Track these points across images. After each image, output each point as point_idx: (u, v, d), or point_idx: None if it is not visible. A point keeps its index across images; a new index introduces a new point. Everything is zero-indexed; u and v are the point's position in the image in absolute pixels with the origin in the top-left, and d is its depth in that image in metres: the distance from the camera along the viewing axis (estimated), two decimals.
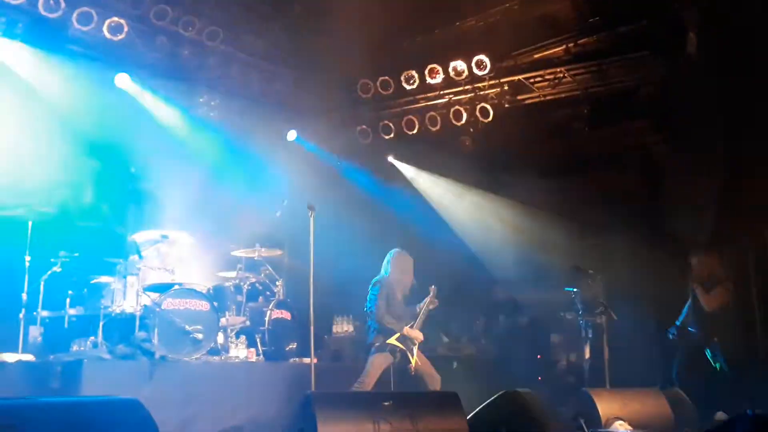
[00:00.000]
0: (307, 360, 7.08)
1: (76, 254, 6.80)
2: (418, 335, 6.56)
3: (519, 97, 9.08)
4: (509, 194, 9.07)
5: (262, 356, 7.28)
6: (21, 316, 6.69)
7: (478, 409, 5.52)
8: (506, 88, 9.06)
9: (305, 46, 8.67)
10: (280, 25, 8.52)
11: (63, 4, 6.99)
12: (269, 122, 9.16)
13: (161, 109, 8.28)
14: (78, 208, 7.38)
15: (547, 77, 8.85)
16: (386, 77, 9.23)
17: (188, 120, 8.60)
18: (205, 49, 8.08)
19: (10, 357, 6.27)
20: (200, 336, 6.57)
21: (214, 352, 6.87)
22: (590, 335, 7.15)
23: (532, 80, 8.95)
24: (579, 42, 8.43)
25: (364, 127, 9.84)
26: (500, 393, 5.53)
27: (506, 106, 9.07)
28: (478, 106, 8.99)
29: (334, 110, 9.73)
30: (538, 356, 8.49)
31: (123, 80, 7.92)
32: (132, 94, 8.03)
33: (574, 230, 8.74)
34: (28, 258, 6.79)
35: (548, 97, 8.91)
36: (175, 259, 7.28)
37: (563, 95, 8.83)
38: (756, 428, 4.21)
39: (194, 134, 8.55)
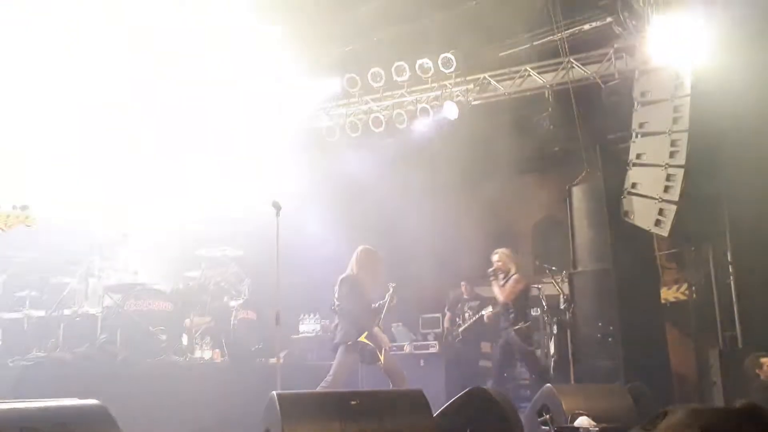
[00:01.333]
0: (272, 360, 7.05)
1: (36, 254, 6.67)
2: (383, 338, 6.52)
3: (485, 95, 9.14)
4: (477, 190, 9.12)
5: (227, 357, 7.20)
6: None
7: (444, 407, 5.53)
8: (472, 85, 9.10)
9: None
10: None
11: None
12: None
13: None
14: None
15: (513, 74, 8.92)
16: (353, 75, 9.22)
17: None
18: None
19: None
20: (164, 337, 6.48)
21: (178, 353, 6.78)
22: (555, 331, 7.22)
23: (497, 78, 9.02)
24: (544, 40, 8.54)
25: (330, 124, 9.82)
26: (467, 390, 5.54)
27: (473, 103, 9.11)
28: (445, 104, 9.02)
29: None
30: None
31: None
32: None
33: (539, 226, 8.82)
34: None
35: (514, 95, 8.97)
36: (138, 258, 7.16)
37: (528, 93, 8.91)
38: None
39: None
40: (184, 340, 6.94)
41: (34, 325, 6.48)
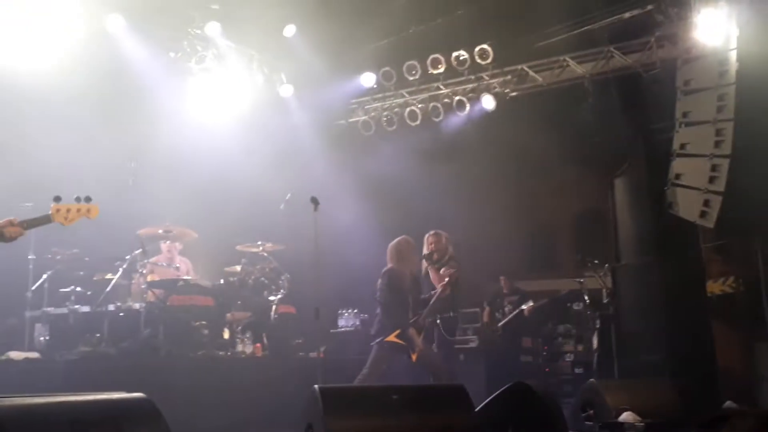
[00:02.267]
0: (313, 354, 7.08)
1: (79, 251, 6.80)
2: (418, 341, 6.44)
3: (523, 86, 9.02)
4: (515, 183, 9.01)
5: (268, 351, 7.26)
6: (26, 314, 6.70)
7: (485, 402, 5.48)
8: (510, 77, 9.00)
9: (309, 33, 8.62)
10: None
11: None
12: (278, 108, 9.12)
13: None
14: None
15: (551, 65, 8.80)
16: (388, 68, 9.19)
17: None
18: None
19: (16, 355, 6.26)
20: (206, 331, 6.54)
21: (220, 347, 6.85)
22: (598, 326, 7.10)
23: (535, 68, 8.89)
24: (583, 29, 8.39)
25: (366, 118, 9.82)
26: (508, 385, 5.48)
27: (511, 95, 9.00)
28: (481, 96, 8.94)
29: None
30: (545, 348, 8.45)
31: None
32: None
33: (580, 220, 8.69)
34: (31, 256, 6.78)
35: (552, 86, 8.85)
36: (180, 254, 7.25)
37: (567, 83, 8.77)
38: None
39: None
40: (226, 334, 7.00)
41: (79, 320, 6.60)
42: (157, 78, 7.92)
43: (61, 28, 7.14)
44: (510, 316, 8.30)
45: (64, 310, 6.65)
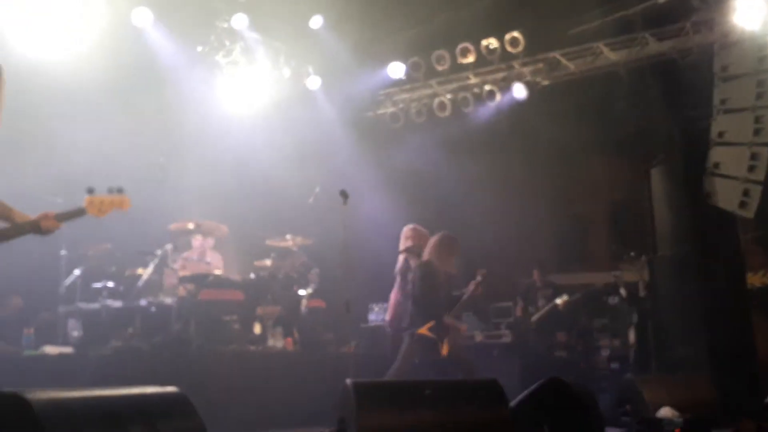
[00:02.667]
0: (344, 349, 7.04)
1: (111, 246, 6.83)
2: (459, 326, 6.42)
3: (555, 74, 8.86)
4: (547, 174, 8.85)
5: (299, 345, 7.24)
6: (60, 309, 6.76)
7: (520, 397, 5.38)
8: (542, 65, 8.84)
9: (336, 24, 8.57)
10: None
11: None
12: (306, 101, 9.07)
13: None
14: None
15: (584, 52, 8.62)
16: (416, 59, 9.09)
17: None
18: None
19: (51, 349, 6.32)
20: (237, 326, 6.54)
21: (251, 341, 6.84)
22: (635, 320, 6.94)
23: (568, 56, 8.72)
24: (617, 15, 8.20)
25: (394, 110, 9.73)
26: (543, 381, 5.37)
27: (543, 83, 8.84)
28: (512, 85, 8.80)
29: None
30: (580, 342, 8.30)
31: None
32: None
33: (615, 211, 8.52)
34: (63, 252, 6.83)
35: (585, 73, 8.67)
36: (210, 249, 7.25)
37: (601, 71, 8.59)
38: None
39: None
40: (257, 329, 6.99)
41: (112, 315, 6.63)
42: (185, 72, 7.92)
43: (88, 21, 7.16)
44: (544, 310, 8.17)
45: (97, 306, 6.69)
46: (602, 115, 8.42)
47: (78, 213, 3.70)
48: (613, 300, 7.99)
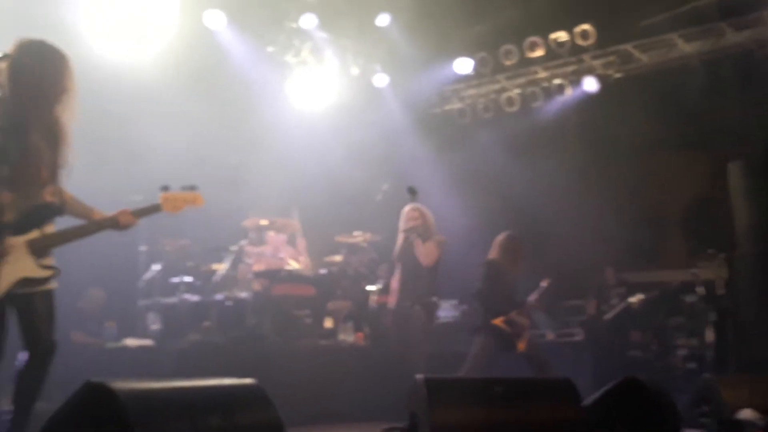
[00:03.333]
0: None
1: (189, 242, 7.05)
2: (524, 320, 6.39)
3: (627, 67, 8.65)
4: (620, 170, 8.65)
5: (369, 340, 7.31)
6: (140, 303, 7.02)
7: (594, 397, 5.29)
8: (613, 57, 8.64)
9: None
10: None
11: None
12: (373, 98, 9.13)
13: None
14: None
15: (657, 44, 8.38)
16: (484, 54, 9.03)
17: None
18: None
19: (132, 342, 6.58)
20: (308, 320, 6.65)
21: (323, 336, 6.95)
22: (713, 318, 6.71)
23: (640, 48, 8.50)
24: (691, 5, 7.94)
25: (461, 106, 9.70)
26: (618, 380, 5.27)
27: (614, 76, 8.65)
28: (583, 78, 8.64)
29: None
30: (655, 341, 8.08)
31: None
32: None
33: (691, 207, 8.25)
34: (143, 247, 7.09)
35: (659, 66, 8.43)
36: (283, 244, 7.40)
37: (675, 63, 8.34)
38: None
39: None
40: (328, 323, 7.10)
41: (189, 309, 6.85)
42: (256, 72, 8.10)
43: (163, 23, 7.40)
44: (617, 308, 7.99)
45: (175, 300, 6.92)
46: (677, 108, 8.16)
47: (154, 209, 3.80)
48: (690, 298, 7.75)
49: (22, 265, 3.34)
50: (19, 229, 3.36)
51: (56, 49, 3.54)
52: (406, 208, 6.56)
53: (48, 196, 3.48)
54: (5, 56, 3.17)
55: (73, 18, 6.79)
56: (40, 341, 3.47)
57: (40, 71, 3.44)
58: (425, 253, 6.37)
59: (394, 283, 6.65)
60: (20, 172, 3.33)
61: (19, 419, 3.45)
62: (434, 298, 6.53)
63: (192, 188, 3.86)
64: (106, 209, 3.85)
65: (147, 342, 6.67)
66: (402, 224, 6.52)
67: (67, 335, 6.64)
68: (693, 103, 8.07)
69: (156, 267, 7.12)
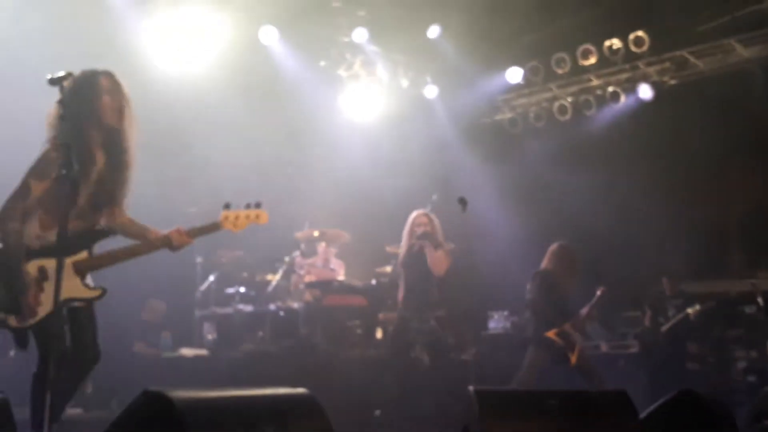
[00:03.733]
0: (464, 356, 7.04)
1: (243, 253, 7.19)
2: (577, 333, 6.29)
3: (683, 73, 8.47)
4: (676, 179, 8.45)
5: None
6: (196, 313, 7.18)
7: (650, 410, 5.17)
8: (668, 64, 8.47)
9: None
10: None
11: None
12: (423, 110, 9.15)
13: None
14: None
15: (714, 50, 8.19)
16: (535, 63, 8.97)
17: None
18: None
19: (188, 351, 6.75)
20: (359, 331, 6.69)
21: (374, 346, 6.99)
22: None
23: (697, 54, 8.31)
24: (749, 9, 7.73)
25: (512, 115, 9.64)
26: (674, 393, 5.14)
27: (669, 83, 8.48)
28: (637, 86, 8.49)
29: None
30: (713, 354, 7.85)
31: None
32: None
33: (750, 217, 8.00)
34: (199, 259, 7.26)
35: (717, 72, 8.23)
36: (334, 255, 7.47)
37: (733, 68, 8.12)
38: None
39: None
40: (379, 334, 7.12)
41: (244, 319, 6.99)
42: (309, 86, 8.24)
43: (219, 40, 7.62)
44: (674, 320, 7.80)
45: (230, 310, 7.07)
46: (735, 115, 7.94)
47: (212, 228, 3.77)
48: (749, 309, 7.51)
49: (68, 285, 3.38)
50: (68, 250, 3.42)
51: (113, 77, 3.63)
52: (414, 214, 6.40)
53: (103, 219, 3.61)
54: (67, 75, 3.25)
55: (137, 36, 7.08)
56: (86, 351, 3.59)
57: (93, 94, 3.53)
58: (436, 262, 6.15)
59: (399, 293, 6.43)
60: (76, 194, 3.41)
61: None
62: (441, 312, 6.29)
63: (257, 205, 3.82)
64: (161, 219, 3.94)
65: (202, 351, 6.82)
66: (409, 230, 6.34)
67: (129, 345, 6.86)
68: (752, 110, 7.85)
69: (212, 278, 7.28)
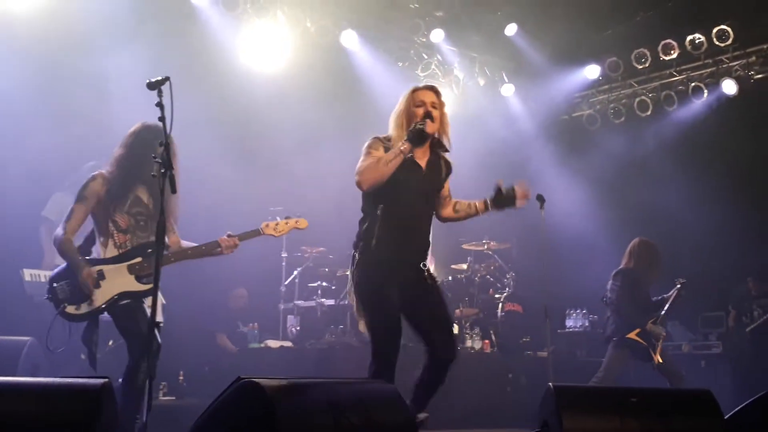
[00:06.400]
0: (541, 353, 7.06)
1: (325, 249, 7.43)
2: (660, 331, 6.23)
3: None
4: (763, 176, 8.17)
5: (496, 348, 7.37)
6: (280, 306, 7.47)
7: (736, 410, 5.07)
8: (754, 58, 8.22)
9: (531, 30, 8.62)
10: None
11: None
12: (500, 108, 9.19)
13: None
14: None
15: None
16: (614, 58, 8.86)
17: None
18: None
19: (273, 343, 7.03)
20: None
21: None
22: None
23: None
24: None
25: (591, 112, 9.54)
26: (762, 394, 5.03)
27: (756, 77, 8.22)
28: (721, 81, 8.27)
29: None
30: None
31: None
32: None
33: None
34: (284, 254, 7.55)
35: None
36: None
37: None
38: None
39: None
40: (455, 329, 7.21)
41: (325, 312, 7.22)
42: (388, 87, 8.40)
43: (302, 42, 7.91)
44: (760, 320, 7.58)
45: (312, 303, 7.32)
46: None
47: (254, 234, 4.41)
48: None
49: (123, 281, 4.08)
50: (126, 257, 4.12)
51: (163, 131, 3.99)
52: None
53: (152, 237, 4.11)
54: (165, 79, 3.48)
55: (225, 37, 7.43)
56: (143, 345, 3.95)
57: (151, 140, 3.95)
58: None
59: None
60: (129, 220, 4.16)
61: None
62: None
63: (299, 216, 4.65)
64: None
65: (287, 343, 7.09)
66: None
67: (216, 337, 7.20)
68: None
69: (296, 272, 7.56)
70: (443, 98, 4.11)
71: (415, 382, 4.05)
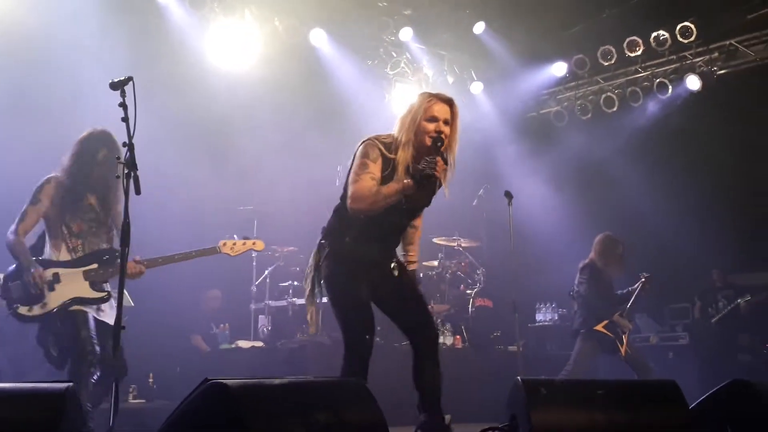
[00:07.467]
0: (511, 348, 7.13)
1: (294, 248, 7.41)
2: (626, 323, 6.34)
3: (732, 63, 8.36)
4: (727, 169, 8.34)
5: (467, 343, 7.42)
6: (251, 306, 7.44)
7: (701, 400, 5.17)
8: (717, 54, 8.37)
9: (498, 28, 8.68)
10: None
11: None
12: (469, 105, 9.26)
13: None
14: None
15: (765, 38, 8.05)
16: (581, 56, 8.96)
17: None
18: None
19: (244, 343, 7.00)
20: None
21: None
22: None
23: (746, 43, 8.19)
24: None
25: (558, 108, 9.65)
26: (727, 382, 5.13)
27: (718, 73, 8.37)
28: (685, 77, 8.42)
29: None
30: (766, 345, 7.76)
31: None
32: None
33: None
34: (254, 254, 7.50)
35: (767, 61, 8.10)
36: None
37: None
38: None
39: None
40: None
41: (297, 312, 7.20)
42: (357, 86, 8.42)
43: (270, 41, 7.87)
44: (724, 311, 7.75)
45: (284, 303, 7.31)
46: None
47: (211, 251, 4.58)
48: None
49: (77, 287, 4.13)
50: (82, 262, 4.19)
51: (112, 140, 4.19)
52: None
53: (104, 244, 4.29)
54: (129, 78, 3.47)
55: (192, 36, 7.40)
56: (78, 351, 3.99)
57: (95, 148, 4.17)
58: None
59: None
60: (82, 226, 4.24)
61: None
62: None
63: (256, 238, 4.94)
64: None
65: (258, 343, 7.07)
66: None
67: (188, 339, 7.16)
68: None
69: (267, 272, 7.54)
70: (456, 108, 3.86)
71: (415, 384, 4.03)
